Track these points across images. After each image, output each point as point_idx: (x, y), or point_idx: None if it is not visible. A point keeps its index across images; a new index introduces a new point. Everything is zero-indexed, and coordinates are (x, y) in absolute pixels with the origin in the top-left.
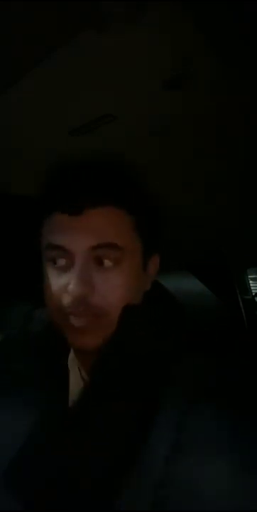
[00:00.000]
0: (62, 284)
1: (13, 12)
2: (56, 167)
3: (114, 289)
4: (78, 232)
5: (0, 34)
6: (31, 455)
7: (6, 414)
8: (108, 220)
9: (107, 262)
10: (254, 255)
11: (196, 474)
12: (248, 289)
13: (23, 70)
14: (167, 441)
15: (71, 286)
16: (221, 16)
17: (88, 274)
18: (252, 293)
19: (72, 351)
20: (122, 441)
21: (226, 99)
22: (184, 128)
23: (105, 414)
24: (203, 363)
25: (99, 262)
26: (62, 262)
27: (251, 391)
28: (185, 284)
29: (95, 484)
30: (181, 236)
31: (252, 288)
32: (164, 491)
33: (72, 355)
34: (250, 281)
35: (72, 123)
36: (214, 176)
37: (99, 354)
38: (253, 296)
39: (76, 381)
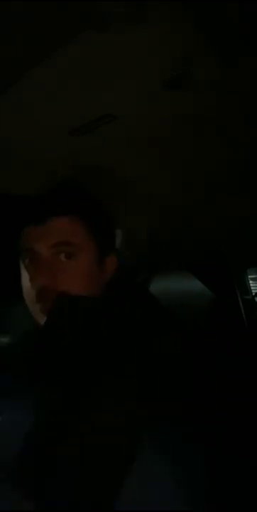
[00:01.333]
0: (32, 278)
1: (13, 12)
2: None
3: (72, 278)
4: (41, 236)
5: (0, 34)
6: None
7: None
8: (64, 225)
9: (64, 256)
10: (254, 255)
11: None
12: (248, 289)
13: (23, 70)
14: None
15: (38, 279)
16: (221, 15)
17: (51, 267)
18: (252, 293)
19: None
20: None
21: (226, 99)
22: (184, 128)
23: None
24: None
25: (61, 257)
26: (32, 260)
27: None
28: (185, 284)
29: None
30: (181, 236)
31: (252, 288)
32: None
33: None
34: (250, 281)
35: (72, 123)
36: (214, 176)
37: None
38: (253, 296)
39: None
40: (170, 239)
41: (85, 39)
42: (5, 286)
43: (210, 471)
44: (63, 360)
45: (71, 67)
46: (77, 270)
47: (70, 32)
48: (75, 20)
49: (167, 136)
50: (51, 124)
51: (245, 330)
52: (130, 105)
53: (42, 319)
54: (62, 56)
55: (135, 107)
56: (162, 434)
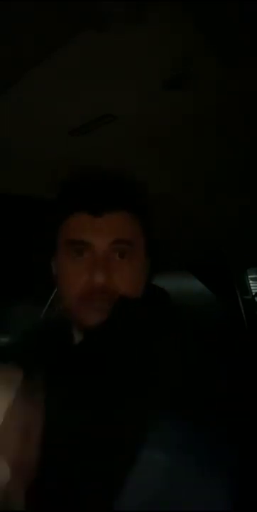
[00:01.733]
0: (87, 274)
1: (13, 12)
2: (79, 175)
3: (126, 280)
4: (101, 230)
5: (0, 34)
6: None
7: None
8: (123, 221)
9: (119, 255)
10: (254, 255)
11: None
12: (248, 289)
13: (23, 70)
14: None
15: (96, 277)
16: (221, 15)
17: (108, 265)
18: (252, 293)
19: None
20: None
21: (226, 99)
22: (184, 128)
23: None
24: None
25: (116, 255)
26: (85, 254)
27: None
28: (185, 284)
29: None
30: (181, 236)
31: (252, 288)
32: None
33: None
34: (250, 281)
35: (72, 123)
36: (214, 176)
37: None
38: (253, 296)
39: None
40: (170, 239)
41: (85, 39)
42: (4, 286)
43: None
44: (113, 363)
45: (71, 67)
46: (130, 270)
47: (70, 32)
48: (75, 20)
49: (167, 136)
50: (51, 124)
51: (245, 330)
52: (130, 105)
53: (91, 318)
54: (62, 56)
55: (135, 107)
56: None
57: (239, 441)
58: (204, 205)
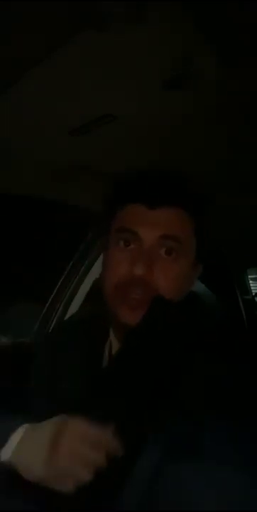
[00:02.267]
0: (127, 263)
1: (13, 12)
2: (138, 171)
3: (170, 277)
4: (151, 222)
5: (0, 34)
6: None
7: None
8: (176, 218)
9: (165, 252)
10: (254, 255)
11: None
12: (248, 289)
13: (23, 70)
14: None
15: (136, 268)
16: (221, 16)
17: (152, 260)
18: (252, 293)
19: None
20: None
21: (226, 99)
22: (184, 128)
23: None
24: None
25: (163, 252)
26: (131, 245)
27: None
28: None
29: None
30: None
31: (252, 288)
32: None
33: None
34: (250, 281)
35: (72, 123)
36: (214, 176)
37: (124, 340)
38: (253, 296)
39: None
40: None
41: (85, 39)
42: (4, 286)
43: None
44: (146, 363)
45: (71, 67)
46: (175, 271)
47: (70, 32)
48: (75, 20)
49: (167, 136)
50: (51, 124)
51: (245, 330)
52: (130, 105)
53: (124, 311)
54: (62, 56)
55: (135, 107)
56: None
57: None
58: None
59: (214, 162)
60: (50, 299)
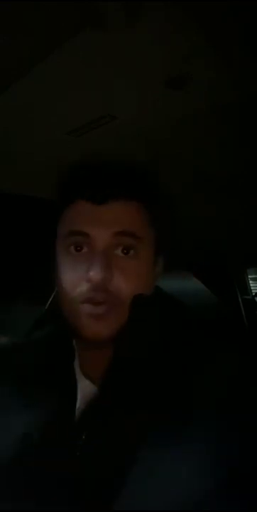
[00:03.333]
0: (81, 270)
1: (12, 12)
2: (81, 162)
3: (131, 278)
4: (101, 220)
5: (0, 34)
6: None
7: (11, 417)
8: (129, 212)
9: (122, 250)
10: (254, 255)
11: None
12: (248, 289)
13: (23, 70)
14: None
15: (92, 272)
16: (221, 15)
17: (109, 261)
18: (252, 293)
19: (77, 356)
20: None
21: (226, 99)
22: (184, 128)
23: (119, 422)
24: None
25: (119, 251)
26: (83, 248)
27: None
28: (185, 284)
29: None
30: (181, 236)
31: (252, 288)
32: None
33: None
34: (250, 281)
35: (72, 123)
36: (214, 176)
37: (115, 351)
38: (253, 296)
39: (84, 385)
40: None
41: (85, 39)
42: (3, 286)
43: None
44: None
45: (71, 67)
46: (136, 269)
47: (70, 32)
48: (75, 20)
49: (167, 137)
50: (51, 124)
51: (245, 330)
52: (130, 105)
53: (88, 326)
54: (62, 56)
55: (135, 107)
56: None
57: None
58: (204, 205)
59: (213, 162)
60: (49, 299)
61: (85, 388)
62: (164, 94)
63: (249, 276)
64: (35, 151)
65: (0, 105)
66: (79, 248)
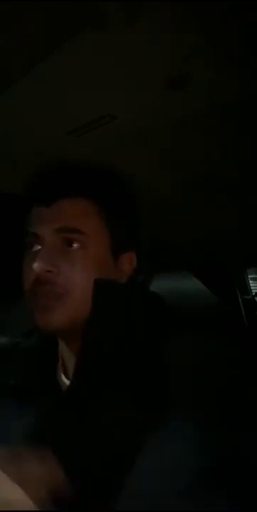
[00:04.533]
0: (31, 266)
1: (13, 12)
2: (38, 170)
3: (78, 270)
4: (46, 218)
5: (0, 34)
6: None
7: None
8: (75, 208)
9: (69, 245)
10: (254, 255)
11: None
12: (248, 289)
13: (23, 70)
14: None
15: (35, 265)
16: (221, 15)
17: (52, 254)
18: (252, 293)
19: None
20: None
21: (226, 99)
22: (184, 128)
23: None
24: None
25: (65, 244)
26: (35, 247)
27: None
28: (185, 284)
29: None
30: (181, 236)
31: (252, 288)
32: None
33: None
34: (250, 281)
35: (72, 123)
36: (214, 176)
37: (82, 343)
38: (253, 296)
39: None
40: (170, 239)
41: (85, 39)
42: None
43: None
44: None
45: (71, 67)
46: (86, 261)
47: (70, 32)
48: (75, 20)
49: (167, 137)
50: (51, 124)
51: (245, 330)
52: (131, 105)
53: (38, 316)
54: (62, 56)
55: (135, 107)
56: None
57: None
58: (204, 205)
59: (213, 162)
60: None
61: (64, 386)
62: (164, 94)
63: (249, 276)
64: (35, 151)
65: (0, 105)
66: (31, 246)
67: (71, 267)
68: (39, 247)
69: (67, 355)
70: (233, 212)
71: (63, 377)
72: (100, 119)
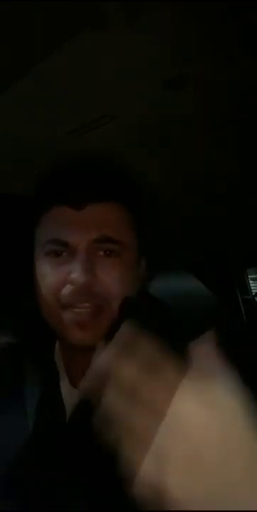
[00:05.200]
0: (62, 274)
1: (13, 12)
2: (57, 164)
3: (115, 279)
4: (81, 227)
5: (0, 34)
6: (24, 469)
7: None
8: (109, 216)
9: (108, 253)
10: (254, 255)
11: None
12: (248, 289)
13: (23, 70)
14: None
15: (75, 275)
16: (221, 15)
17: (91, 263)
18: (252, 293)
19: (57, 352)
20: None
21: (226, 99)
22: (184, 128)
23: None
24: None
25: (101, 252)
26: (63, 254)
27: None
28: (185, 284)
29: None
30: (181, 236)
31: (252, 288)
32: None
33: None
34: (250, 281)
35: (72, 123)
36: (214, 176)
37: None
38: (253, 296)
39: (67, 387)
40: (170, 239)
41: (85, 39)
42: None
43: None
44: None
45: (71, 67)
46: (119, 270)
47: (70, 32)
48: (75, 20)
49: (167, 137)
50: (51, 124)
51: (245, 330)
52: (131, 105)
53: (73, 331)
54: (62, 56)
55: (135, 107)
56: None
57: None
58: (204, 205)
59: (214, 162)
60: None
61: (68, 389)
62: (164, 94)
63: (249, 276)
64: (36, 151)
65: (0, 105)
66: (59, 253)
67: (108, 274)
68: (68, 254)
69: (76, 363)
70: (233, 212)
71: (71, 388)
72: (100, 119)
